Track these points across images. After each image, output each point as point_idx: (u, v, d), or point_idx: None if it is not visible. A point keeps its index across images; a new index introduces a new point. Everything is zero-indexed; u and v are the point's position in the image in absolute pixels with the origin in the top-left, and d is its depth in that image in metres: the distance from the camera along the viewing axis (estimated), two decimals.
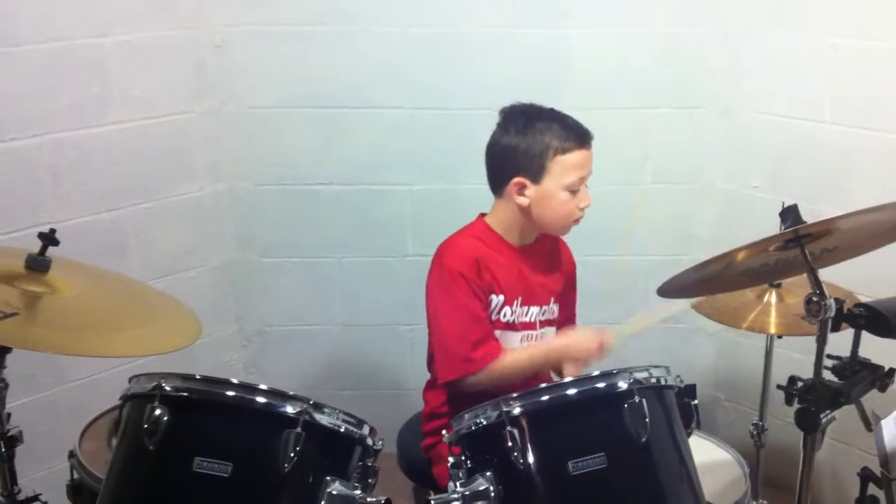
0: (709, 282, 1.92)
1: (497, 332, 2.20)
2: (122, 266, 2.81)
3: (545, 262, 2.32)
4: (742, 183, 3.19)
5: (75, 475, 2.14)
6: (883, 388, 1.81)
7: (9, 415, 1.98)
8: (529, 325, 2.25)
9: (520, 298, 2.21)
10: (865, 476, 2.05)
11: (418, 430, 2.38)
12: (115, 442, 1.69)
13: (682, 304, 2.35)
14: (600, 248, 3.18)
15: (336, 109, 3.16)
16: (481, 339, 2.13)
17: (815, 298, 1.72)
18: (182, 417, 1.58)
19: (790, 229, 1.68)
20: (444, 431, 1.75)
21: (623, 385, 1.60)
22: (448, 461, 1.70)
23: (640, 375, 1.62)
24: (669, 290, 1.93)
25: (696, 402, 1.74)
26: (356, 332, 3.40)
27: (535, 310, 2.25)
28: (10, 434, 1.97)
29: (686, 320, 3.36)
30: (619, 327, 2.32)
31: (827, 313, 1.71)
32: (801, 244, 1.71)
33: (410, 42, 3.08)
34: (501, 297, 2.19)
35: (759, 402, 2.62)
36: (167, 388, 1.58)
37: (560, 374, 2.21)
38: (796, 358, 2.73)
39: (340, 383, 3.43)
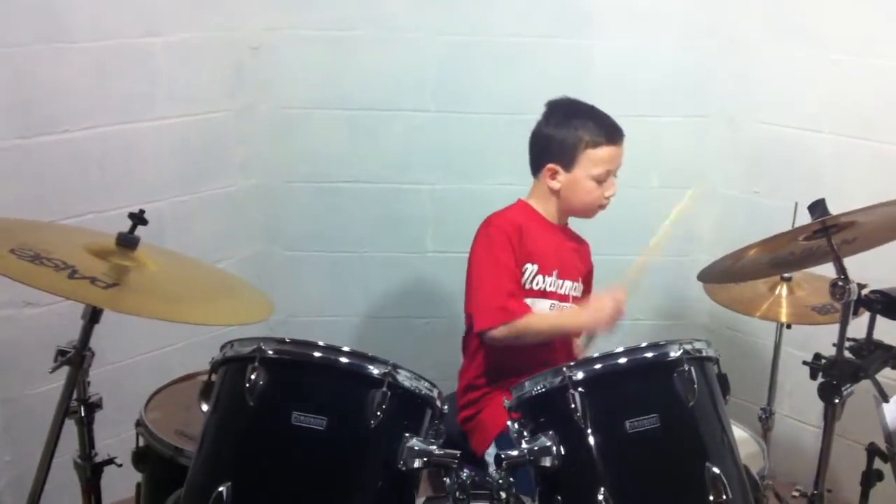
0: (742, 268, 2.11)
1: (528, 300, 2.42)
2: None
3: (575, 245, 2.58)
4: (743, 188, 3.40)
5: (141, 442, 2.27)
6: (895, 367, 2.01)
7: (88, 382, 2.12)
8: (563, 298, 2.49)
9: (556, 271, 2.46)
10: (872, 451, 2.24)
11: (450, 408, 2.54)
12: (205, 407, 1.84)
13: (662, 230, 2.58)
14: (609, 248, 3.34)
15: (364, 111, 3.33)
16: (514, 291, 2.35)
17: (840, 283, 1.91)
18: (280, 376, 1.73)
19: (820, 220, 1.87)
20: (504, 398, 1.91)
21: (674, 354, 1.78)
22: (508, 426, 1.87)
23: (688, 347, 1.80)
24: (709, 275, 2.12)
25: None
26: (375, 323, 3.55)
27: (568, 284, 2.50)
28: (90, 401, 2.12)
29: (687, 317, 3.57)
30: (625, 279, 2.49)
31: (850, 296, 1.90)
32: (828, 234, 1.91)
33: (438, 48, 3.27)
34: (536, 267, 2.42)
35: (768, 387, 2.82)
36: (267, 351, 1.73)
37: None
38: (795, 355, 2.94)
39: None
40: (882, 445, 2.26)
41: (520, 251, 2.39)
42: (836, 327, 2.02)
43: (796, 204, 2.57)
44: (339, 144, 3.36)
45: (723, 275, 2.17)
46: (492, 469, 2.30)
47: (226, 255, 3.31)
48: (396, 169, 3.39)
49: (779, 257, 2.10)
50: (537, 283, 2.43)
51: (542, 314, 2.40)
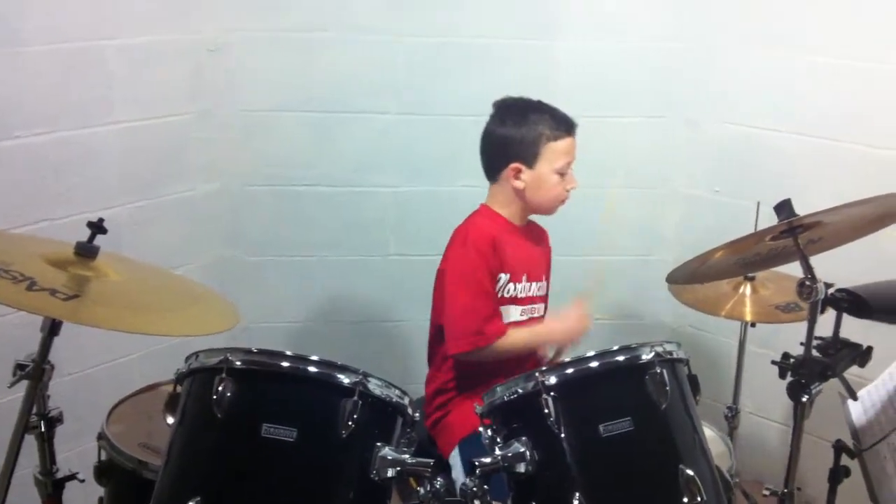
0: (709, 269, 2.11)
1: (501, 308, 2.43)
2: None
3: (537, 242, 2.59)
4: (705, 188, 3.42)
5: (104, 456, 2.22)
6: (862, 364, 2.02)
7: (48, 396, 2.07)
8: (532, 300, 2.51)
9: (525, 275, 2.46)
10: (839, 448, 2.26)
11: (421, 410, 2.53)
12: (170, 420, 1.80)
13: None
14: (571, 248, 3.35)
15: (326, 114, 3.29)
16: (491, 315, 2.36)
17: (807, 283, 1.92)
18: (249, 387, 1.70)
19: (787, 221, 1.87)
20: (476, 404, 1.90)
21: (646, 357, 1.78)
22: (481, 432, 1.86)
23: (660, 349, 1.81)
24: (677, 277, 2.13)
25: None
26: (339, 328, 3.52)
27: (535, 285, 2.51)
28: (50, 415, 2.07)
29: (651, 316, 3.58)
30: (585, 295, 2.52)
31: (818, 295, 1.91)
32: (794, 234, 1.92)
33: (401, 50, 3.24)
34: (508, 276, 2.42)
35: (733, 386, 2.83)
36: (235, 362, 1.70)
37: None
38: (758, 353, 2.98)
39: None
40: (849, 442, 2.27)
41: (493, 266, 2.38)
42: (798, 325, 2.03)
43: (758, 204, 2.63)
44: (301, 147, 3.32)
45: (690, 277, 2.17)
46: (456, 472, 2.33)
47: (186, 260, 3.25)
48: (359, 172, 3.37)
49: (745, 258, 2.11)
50: (508, 291, 2.43)
51: (513, 335, 2.40)
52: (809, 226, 1.95)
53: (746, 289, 2.63)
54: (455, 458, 2.38)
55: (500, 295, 2.42)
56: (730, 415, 2.80)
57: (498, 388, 1.84)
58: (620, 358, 1.79)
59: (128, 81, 2.95)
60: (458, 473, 2.33)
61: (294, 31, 3.20)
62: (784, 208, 1.94)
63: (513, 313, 2.46)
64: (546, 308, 2.59)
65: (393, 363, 3.46)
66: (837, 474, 2.28)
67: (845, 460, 2.29)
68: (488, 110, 2.52)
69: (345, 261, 3.46)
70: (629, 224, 3.50)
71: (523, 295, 2.47)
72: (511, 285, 2.43)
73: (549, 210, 2.49)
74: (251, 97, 3.24)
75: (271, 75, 3.24)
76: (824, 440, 2.33)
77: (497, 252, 2.38)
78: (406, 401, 1.83)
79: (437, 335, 2.47)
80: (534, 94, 3.17)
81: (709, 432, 2.50)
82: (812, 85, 3.08)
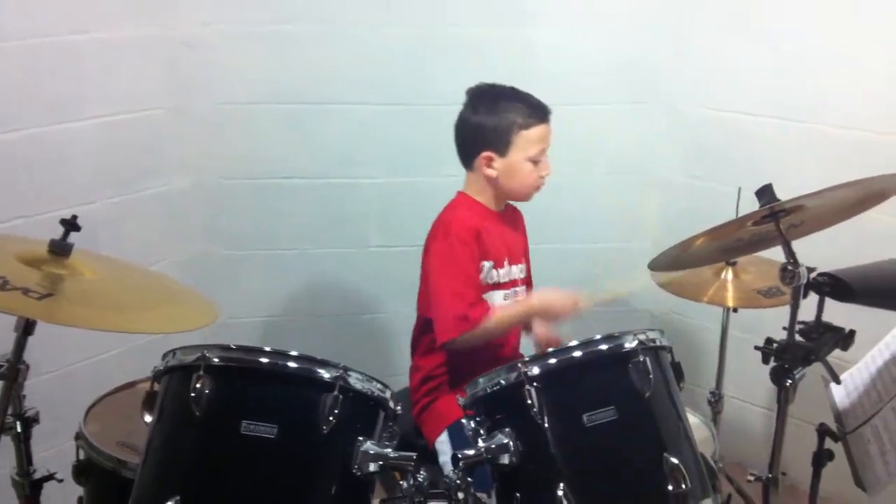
0: (690, 256, 2.10)
1: (484, 295, 2.42)
2: None
3: (514, 226, 2.57)
4: (685, 173, 3.42)
5: (82, 456, 2.19)
6: (845, 348, 2.01)
7: (24, 396, 2.04)
8: (513, 283, 2.49)
9: (507, 259, 2.44)
10: (822, 431, 2.25)
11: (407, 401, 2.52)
12: (148, 418, 1.77)
13: (646, 281, 2.55)
14: (554, 236, 3.35)
15: (303, 105, 3.25)
16: (475, 300, 2.34)
17: (789, 267, 1.91)
18: (227, 384, 1.68)
19: (769, 206, 1.86)
20: (458, 396, 1.88)
21: (629, 345, 1.77)
22: (464, 424, 1.84)
23: (642, 337, 1.79)
24: (659, 265, 2.11)
25: None
26: (320, 322, 3.49)
27: (516, 268, 2.50)
28: (27, 415, 2.04)
29: (633, 302, 3.57)
30: (591, 292, 2.49)
31: (800, 280, 1.90)
32: (776, 219, 1.90)
33: (378, 41, 3.21)
34: (491, 263, 2.41)
35: (716, 371, 2.83)
36: (212, 359, 1.67)
37: (529, 331, 2.46)
38: (740, 337, 2.97)
39: None
40: (832, 426, 2.27)
41: (477, 253, 2.37)
42: (781, 310, 2.02)
43: (739, 189, 2.61)
44: (278, 140, 3.28)
45: (672, 264, 2.16)
46: (444, 458, 2.31)
47: (163, 256, 3.21)
48: (339, 164, 3.33)
49: (727, 244, 2.10)
50: (492, 278, 2.42)
51: (501, 310, 2.39)
52: (791, 210, 1.94)
53: (728, 274, 2.62)
54: (443, 444, 2.36)
55: (484, 282, 2.40)
56: (713, 400, 2.80)
57: (480, 380, 1.83)
58: (603, 347, 1.78)
59: (101, 76, 2.91)
60: (446, 459, 2.32)
61: (269, 24, 3.16)
62: (765, 193, 1.93)
63: (496, 298, 2.44)
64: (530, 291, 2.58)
65: (375, 356, 3.44)
66: (821, 458, 2.27)
67: (829, 444, 2.28)
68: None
69: (325, 254, 3.43)
70: (610, 211, 3.49)
71: (506, 279, 2.46)
72: (494, 271, 2.42)
73: (523, 197, 2.47)
74: (227, 91, 3.20)
75: (247, 68, 3.20)
76: (808, 423, 2.32)
77: (479, 241, 2.36)
78: (387, 394, 1.81)
79: (424, 325, 2.46)
80: (513, 83, 3.18)
81: (692, 418, 2.49)
82: (791, 69, 3.08)
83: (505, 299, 2.46)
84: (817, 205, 1.96)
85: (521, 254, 2.57)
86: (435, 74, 3.25)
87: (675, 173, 3.44)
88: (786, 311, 1.99)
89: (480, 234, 2.37)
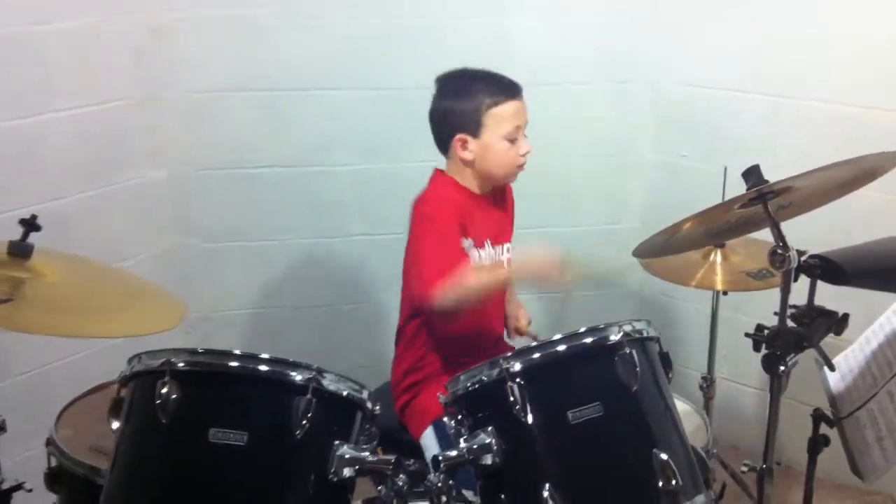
0: (678, 241, 2.03)
1: None
2: None
3: (501, 206, 2.49)
4: (671, 152, 3.35)
5: (53, 462, 2.12)
6: (839, 332, 1.95)
7: None
8: (500, 265, 2.39)
9: (489, 240, 2.36)
10: (817, 416, 2.19)
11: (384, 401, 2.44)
12: (115, 425, 1.70)
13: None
14: (536, 220, 3.27)
15: (276, 92, 3.18)
16: (456, 261, 2.22)
17: (779, 251, 1.84)
18: (194, 390, 1.61)
19: (756, 188, 1.79)
20: (439, 394, 1.81)
21: (614, 337, 1.69)
22: (446, 423, 1.77)
23: (628, 328, 1.72)
24: (646, 251, 2.05)
25: None
26: (302, 313, 3.43)
27: (501, 249, 2.42)
28: None
29: (620, 285, 3.51)
30: (582, 260, 2.40)
31: (791, 264, 1.83)
32: (764, 201, 1.83)
33: (352, 26, 3.13)
34: (471, 242, 2.32)
35: (707, 355, 2.77)
36: (178, 364, 1.60)
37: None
38: (731, 317, 2.93)
39: None
40: (826, 409, 2.21)
41: (458, 225, 2.29)
42: (771, 291, 1.95)
43: (725, 169, 2.57)
44: (252, 129, 3.21)
45: (659, 249, 2.09)
46: (429, 454, 2.24)
47: (138, 251, 3.14)
48: (314, 151, 3.26)
49: (715, 227, 2.03)
50: (473, 259, 2.33)
51: (481, 270, 2.29)
52: (780, 192, 1.86)
53: (717, 256, 2.55)
54: (429, 439, 2.29)
55: None
56: (705, 385, 2.74)
57: (461, 377, 1.76)
58: (588, 340, 1.70)
59: (66, 67, 2.82)
60: (431, 455, 2.24)
61: (239, 9, 3.08)
62: (752, 174, 1.86)
63: None
64: None
65: (361, 346, 3.38)
66: (816, 444, 2.21)
67: (824, 429, 2.23)
68: None
69: (306, 244, 3.36)
70: (595, 193, 3.43)
71: (489, 261, 2.37)
72: (475, 251, 2.33)
73: (504, 178, 2.39)
74: (197, 79, 3.12)
75: (217, 55, 3.12)
76: (802, 404, 2.27)
77: (460, 217, 2.29)
78: (364, 394, 1.74)
79: (408, 314, 2.39)
80: (489, 62, 3.10)
81: (684, 406, 2.44)
82: (776, 44, 3.01)
83: None
84: (806, 185, 1.89)
85: (508, 234, 2.49)
86: (409, 57, 3.17)
87: (659, 153, 3.37)
88: (777, 291, 1.93)
89: (461, 210, 2.30)
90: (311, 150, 3.26)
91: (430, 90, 2.42)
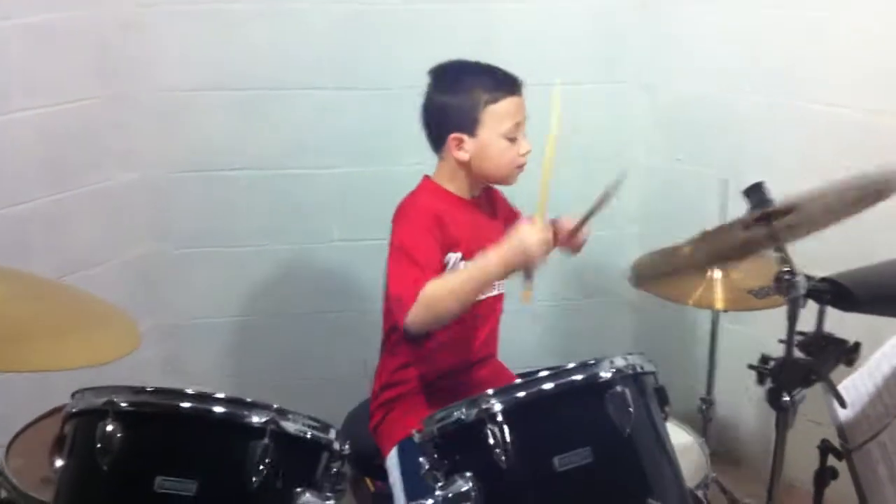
0: (676, 267, 1.88)
1: None
2: (26, 264, 2.61)
3: (492, 213, 2.32)
4: (666, 156, 3.20)
5: (3, 495, 1.98)
6: (850, 363, 1.80)
7: None
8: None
9: (481, 250, 2.14)
10: (825, 448, 2.05)
11: (363, 421, 2.29)
12: (58, 463, 1.55)
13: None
14: None
15: (254, 91, 3.02)
16: (428, 272, 2.02)
17: (785, 276, 1.68)
18: (138, 434, 1.46)
19: (762, 211, 1.64)
20: (414, 431, 1.66)
21: (605, 374, 1.55)
22: (420, 464, 1.62)
23: (620, 363, 1.57)
24: (643, 277, 1.91)
25: None
26: (282, 322, 3.27)
27: None
28: None
29: (615, 294, 3.36)
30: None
31: (799, 291, 1.68)
32: (770, 223, 1.68)
33: (332, 21, 2.98)
34: (458, 255, 2.15)
35: (707, 377, 2.63)
36: (120, 404, 1.44)
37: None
38: (729, 328, 2.79)
39: (267, 377, 3.29)
40: (834, 439, 2.06)
41: (442, 240, 2.12)
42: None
43: (727, 182, 2.45)
44: (228, 129, 3.04)
45: (657, 274, 1.93)
46: (392, 478, 2.08)
47: (108, 257, 2.99)
48: (294, 153, 3.10)
49: (716, 251, 1.87)
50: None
51: (448, 277, 2.06)
52: (784, 212, 1.71)
53: (716, 272, 2.39)
54: (392, 461, 2.13)
55: None
56: (704, 407, 2.59)
57: (438, 415, 1.61)
58: (577, 377, 1.55)
59: (29, 66, 2.66)
60: (395, 479, 2.09)
61: (214, 2, 2.91)
62: (755, 192, 1.71)
63: None
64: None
65: (344, 357, 3.23)
66: (824, 477, 2.07)
67: (832, 460, 2.08)
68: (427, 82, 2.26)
69: (285, 250, 3.21)
70: (585, 198, 3.26)
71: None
72: (463, 264, 2.15)
73: (504, 179, 2.23)
74: (170, 77, 2.96)
75: (191, 51, 2.95)
76: (811, 421, 2.11)
77: (444, 227, 2.12)
78: (331, 434, 1.59)
79: (390, 324, 2.23)
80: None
81: (682, 436, 2.30)
82: (773, 42, 2.86)
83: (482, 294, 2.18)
84: (815, 205, 1.73)
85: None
86: (395, 55, 3.02)
87: (654, 156, 3.23)
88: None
89: (444, 220, 2.13)
90: (291, 152, 3.10)
91: (417, 88, 2.27)
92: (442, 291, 1.97)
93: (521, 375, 1.74)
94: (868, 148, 2.62)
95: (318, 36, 2.99)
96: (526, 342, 3.26)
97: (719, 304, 2.35)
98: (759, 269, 2.32)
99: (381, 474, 2.17)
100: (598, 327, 3.40)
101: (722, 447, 3.05)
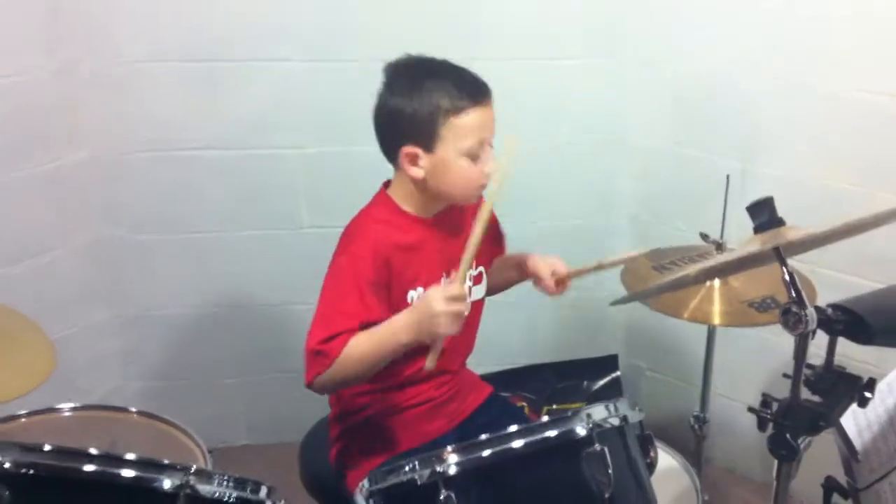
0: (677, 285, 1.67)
1: None
2: None
3: (457, 229, 2.03)
4: (665, 139, 2.99)
5: None
6: (863, 403, 1.58)
7: None
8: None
9: (445, 273, 1.93)
10: (830, 487, 1.85)
11: (324, 439, 2.09)
12: None
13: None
14: (512, 211, 2.91)
15: (215, 63, 2.80)
16: (341, 332, 1.80)
17: (794, 309, 1.46)
18: (28, 500, 1.24)
19: (772, 246, 1.41)
20: (361, 483, 1.44)
21: (581, 431, 1.33)
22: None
23: (599, 416, 1.35)
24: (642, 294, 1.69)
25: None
26: (247, 313, 3.09)
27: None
28: None
29: (602, 290, 3.15)
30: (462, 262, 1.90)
31: (809, 326, 1.46)
32: (780, 253, 1.45)
33: None
34: (419, 291, 1.91)
35: (701, 391, 2.43)
36: (6, 465, 1.23)
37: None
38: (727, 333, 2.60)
39: (230, 371, 3.11)
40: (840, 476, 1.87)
41: (397, 284, 1.89)
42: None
43: (728, 177, 2.36)
44: (187, 105, 2.83)
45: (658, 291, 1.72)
46: None
47: (57, 243, 2.80)
48: (259, 132, 2.88)
49: (715, 269, 1.65)
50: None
51: (361, 340, 1.81)
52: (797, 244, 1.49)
53: (713, 282, 2.16)
54: (363, 491, 1.92)
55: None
56: (697, 426, 2.38)
57: (385, 468, 1.40)
58: (549, 433, 1.33)
59: None
60: None
61: None
62: (762, 210, 1.48)
63: None
64: None
65: None
66: None
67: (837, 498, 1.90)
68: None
69: (249, 236, 3.00)
70: (577, 182, 3.06)
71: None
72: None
73: (462, 200, 1.96)
74: (122, 46, 2.73)
75: (146, 19, 2.72)
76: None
77: (397, 267, 1.87)
78: (262, 493, 1.38)
79: None
80: (460, 34, 2.74)
81: (670, 462, 2.10)
82: (783, 19, 2.64)
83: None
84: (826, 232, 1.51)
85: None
86: (370, 23, 2.79)
87: (652, 138, 3.01)
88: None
89: (397, 258, 1.87)
90: (254, 131, 2.88)
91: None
92: (354, 357, 1.78)
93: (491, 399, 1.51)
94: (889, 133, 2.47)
95: (285, 2, 2.76)
96: (512, 337, 3.14)
97: (716, 319, 2.12)
98: (760, 279, 2.11)
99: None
100: (586, 339, 3.24)
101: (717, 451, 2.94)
